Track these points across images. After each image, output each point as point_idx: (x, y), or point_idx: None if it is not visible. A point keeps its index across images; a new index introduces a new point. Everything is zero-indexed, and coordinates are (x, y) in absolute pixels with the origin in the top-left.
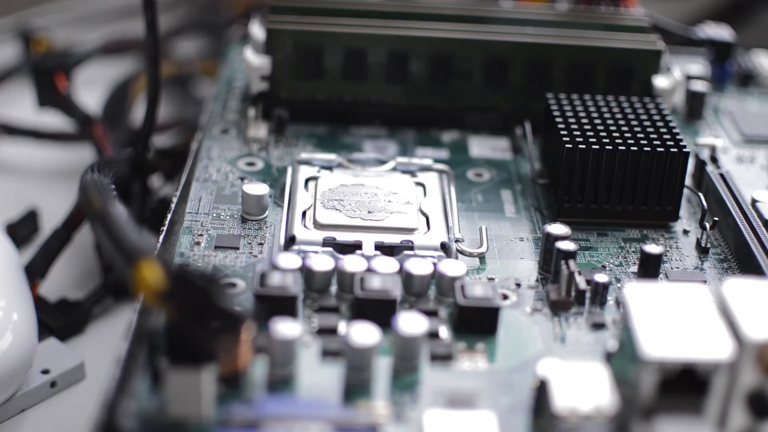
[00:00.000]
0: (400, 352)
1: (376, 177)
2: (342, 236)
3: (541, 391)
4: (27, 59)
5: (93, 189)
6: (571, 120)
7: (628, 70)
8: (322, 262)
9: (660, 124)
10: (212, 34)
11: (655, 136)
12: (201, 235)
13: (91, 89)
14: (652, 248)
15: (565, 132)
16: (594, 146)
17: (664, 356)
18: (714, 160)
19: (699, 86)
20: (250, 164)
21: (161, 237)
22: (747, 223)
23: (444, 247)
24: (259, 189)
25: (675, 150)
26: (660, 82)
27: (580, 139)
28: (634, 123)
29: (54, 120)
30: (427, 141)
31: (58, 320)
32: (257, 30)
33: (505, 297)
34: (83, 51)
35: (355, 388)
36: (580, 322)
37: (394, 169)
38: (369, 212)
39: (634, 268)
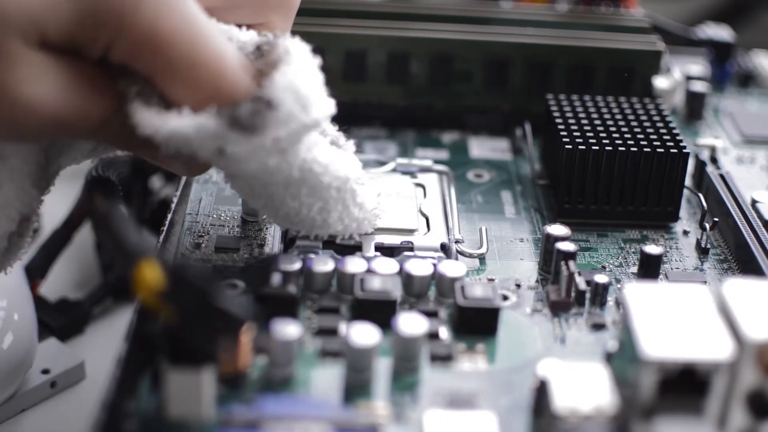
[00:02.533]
0: (400, 352)
1: (376, 178)
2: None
3: (541, 392)
4: None
5: (99, 188)
6: (571, 121)
7: (628, 70)
8: (322, 263)
9: (660, 124)
10: None
11: (655, 136)
12: (201, 236)
13: None
14: (652, 249)
15: (565, 133)
16: (594, 147)
17: (664, 356)
18: (714, 160)
19: (699, 87)
20: None
21: (161, 237)
22: (747, 223)
23: (444, 248)
24: None
25: (675, 151)
26: (660, 82)
27: (580, 140)
28: (634, 124)
29: None
30: (427, 142)
31: (58, 320)
32: None
33: (505, 298)
34: None
35: (356, 388)
36: (580, 323)
37: (394, 170)
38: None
39: (634, 269)
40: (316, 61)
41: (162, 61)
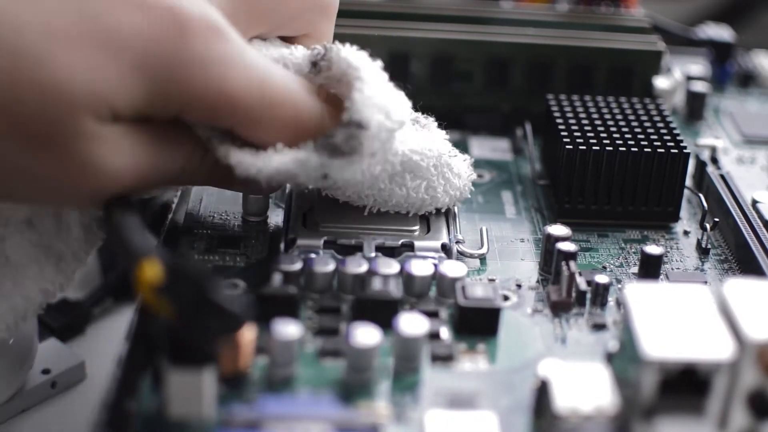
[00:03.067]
0: (401, 352)
1: None
2: (343, 238)
3: (542, 392)
4: None
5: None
6: (572, 121)
7: (629, 70)
8: (323, 263)
9: (660, 124)
10: None
11: (655, 136)
12: (201, 236)
13: None
14: (652, 249)
15: (565, 133)
16: (594, 147)
17: (664, 356)
18: (714, 160)
19: (699, 87)
20: None
21: (162, 238)
22: (747, 223)
23: (445, 248)
24: None
25: (675, 151)
26: (660, 82)
27: (581, 140)
28: (635, 124)
29: None
30: None
31: (59, 320)
32: None
33: (506, 298)
34: None
35: (356, 388)
36: (581, 323)
37: None
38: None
39: (635, 269)
40: (378, 63)
41: (240, 117)
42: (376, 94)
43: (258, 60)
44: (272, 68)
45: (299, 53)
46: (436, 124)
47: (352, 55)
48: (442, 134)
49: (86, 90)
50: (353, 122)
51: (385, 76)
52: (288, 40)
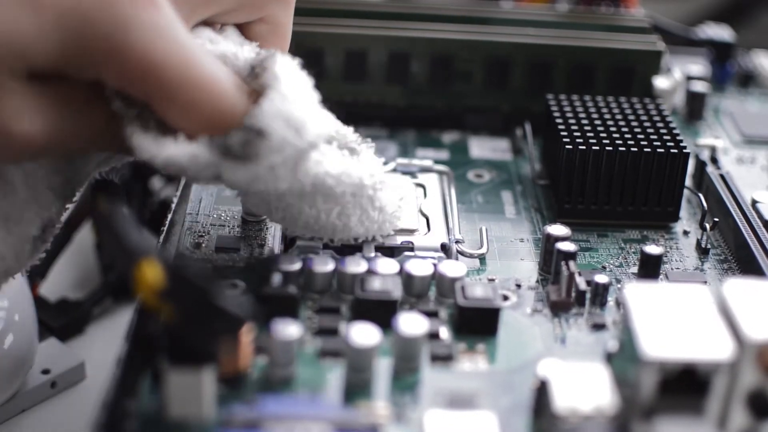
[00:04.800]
0: (401, 352)
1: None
2: None
3: (542, 392)
4: None
5: (103, 190)
6: (572, 121)
7: (629, 70)
8: (322, 263)
9: (660, 124)
10: None
11: (655, 136)
12: (201, 236)
13: None
14: (652, 249)
15: (565, 133)
16: (594, 147)
17: (664, 356)
18: (714, 160)
19: (699, 87)
20: None
21: (161, 237)
22: (747, 223)
23: (444, 248)
24: None
25: (675, 151)
26: (660, 82)
27: (581, 140)
28: (635, 124)
29: None
30: (428, 142)
31: (59, 320)
32: None
33: (506, 298)
34: None
35: (356, 388)
36: (581, 323)
37: (395, 170)
38: None
39: (635, 269)
40: (308, 81)
41: (157, 87)
42: (290, 108)
43: (187, 39)
44: (202, 52)
45: (243, 56)
46: (372, 152)
47: (281, 67)
48: (376, 164)
49: (2, 42)
50: (253, 128)
51: (313, 95)
52: (243, 27)
